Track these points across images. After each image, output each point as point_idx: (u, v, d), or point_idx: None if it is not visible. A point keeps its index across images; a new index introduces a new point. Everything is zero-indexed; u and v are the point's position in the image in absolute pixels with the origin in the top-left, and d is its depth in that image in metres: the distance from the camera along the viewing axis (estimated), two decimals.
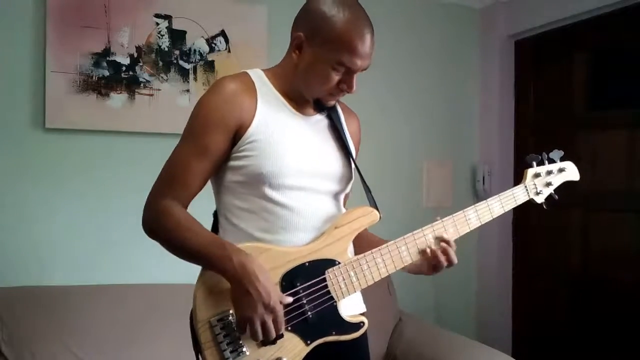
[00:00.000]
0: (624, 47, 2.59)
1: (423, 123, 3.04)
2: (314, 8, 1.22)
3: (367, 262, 1.25)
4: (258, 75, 1.29)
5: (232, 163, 1.23)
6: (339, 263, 1.23)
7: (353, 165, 1.36)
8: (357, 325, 1.25)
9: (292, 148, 1.24)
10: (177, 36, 2.44)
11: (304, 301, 1.19)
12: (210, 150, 1.21)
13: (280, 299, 1.14)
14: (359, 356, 1.33)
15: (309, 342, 1.20)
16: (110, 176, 2.33)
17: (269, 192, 1.21)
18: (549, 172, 1.44)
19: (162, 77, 2.41)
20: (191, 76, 2.46)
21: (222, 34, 2.51)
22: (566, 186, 2.79)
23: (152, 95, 2.39)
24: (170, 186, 1.22)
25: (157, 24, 2.41)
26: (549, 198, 1.46)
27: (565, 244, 2.84)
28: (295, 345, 1.19)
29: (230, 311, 1.16)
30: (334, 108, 1.37)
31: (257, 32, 2.55)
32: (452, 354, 2.30)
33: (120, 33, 2.33)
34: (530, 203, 1.44)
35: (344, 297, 1.23)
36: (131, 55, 2.36)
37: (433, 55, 3.07)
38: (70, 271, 2.27)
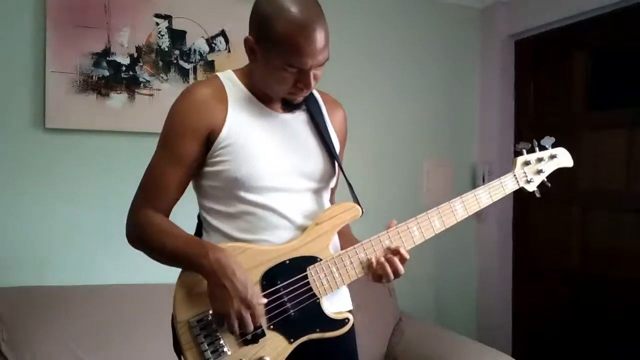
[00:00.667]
0: (624, 47, 2.59)
1: (423, 123, 3.04)
2: (258, 10, 1.17)
3: (349, 257, 1.24)
4: (229, 77, 1.27)
5: (207, 169, 1.23)
6: (321, 260, 1.22)
7: (336, 160, 1.33)
8: (342, 322, 1.24)
9: (266, 149, 1.22)
10: (177, 36, 2.44)
11: (286, 299, 1.19)
12: (184, 158, 1.21)
13: (257, 298, 1.13)
14: (346, 353, 1.32)
15: (292, 340, 1.19)
16: (110, 176, 2.33)
17: (246, 195, 1.21)
18: (540, 160, 1.41)
19: (162, 77, 2.41)
20: (191, 76, 2.46)
21: (222, 34, 2.51)
22: (566, 186, 2.79)
23: (152, 95, 2.39)
24: (148, 197, 1.23)
25: (157, 24, 2.41)
26: (542, 186, 1.42)
27: (565, 243, 2.84)
28: (278, 344, 1.18)
29: (210, 312, 1.15)
30: (314, 101, 1.33)
31: None
32: (452, 354, 2.30)
33: (120, 33, 2.33)
34: (522, 192, 1.41)
35: (326, 294, 1.22)
36: (131, 55, 2.36)
37: (433, 55, 3.07)
38: (70, 271, 2.27)
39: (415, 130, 3.02)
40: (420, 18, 3.04)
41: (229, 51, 2.52)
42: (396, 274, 1.26)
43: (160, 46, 2.41)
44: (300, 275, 1.20)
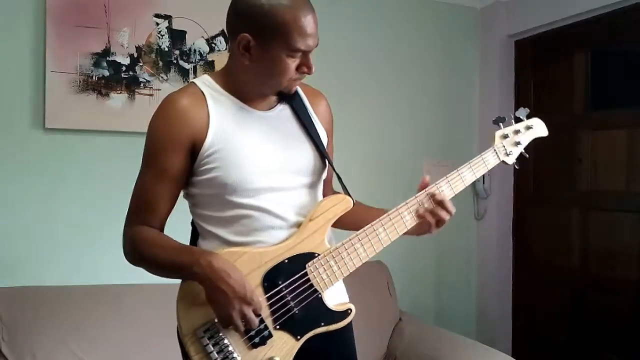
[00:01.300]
0: (624, 47, 2.59)
1: (423, 123, 3.04)
2: (249, 5, 1.16)
3: (346, 249, 1.24)
4: (206, 82, 1.25)
5: (196, 178, 1.22)
6: (318, 255, 1.22)
7: (323, 153, 1.32)
8: (345, 313, 1.25)
9: (254, 151, 1.21)
10: (177, 36, 2.44)
11: (289, 298, 1.19)
12: (169, 172, 1.20)
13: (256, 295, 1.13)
14: (346, 344, 1.34)
15: (299, 337, 1.20)
16: (110, 176, 2.33)
17: (239, 199, 1.20)
18: (517, 132, 1.42)
19: (162, 77, 2.41)
20: (191, 76, 2.46)
21: (222, 34, 2.51)
22: (566, 186, 2.79)
23: (152, 95, 2.39)
24: (139, 214, 1.22)
25: (157, 24, 2.41)
26: (520, 158, 1.44)
27: (565, 243, 2.84)
28: (285, 343, 1.19)
29: (216, 320, 1.15)
30: (295, 95, 1.31)
31: None
32: (452, 354, 2.30)
33: (120, 33, 2.33)
34: (502, 165, 1.43)
35: (327, 288, 1.23)
36: (131, 55, 2.36)
37: (433, 55, 3.07)
38: (70, 271, 2.27)
39: (415, 130, 3.02)
40: (420, 18, 3.04)
41: (229, 51, 2.51)
42: (446, 215, 1.29)
43: (160, 46, 2.41)
44: (301, 273, 1.21)
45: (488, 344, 2.42)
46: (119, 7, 2.32)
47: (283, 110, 1.30)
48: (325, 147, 1.33)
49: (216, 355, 1.14)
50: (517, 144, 1.42)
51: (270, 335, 1.17)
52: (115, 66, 2.32)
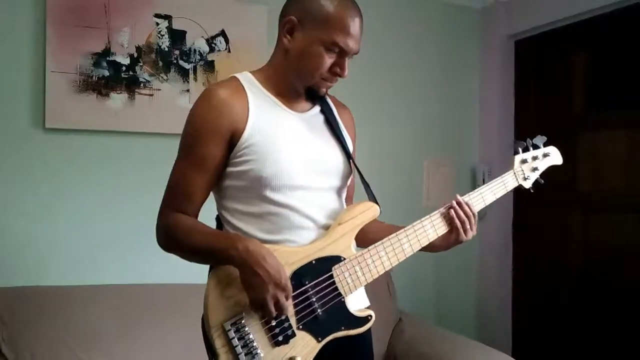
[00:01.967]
0: (624, 47, 2.59)
1: (423, 123, 3.05)
2: None
3: (371, 256, 1.26)
4: (247, 78, 1.29)
5: (231, 169, 1.23)
6: (345, 259, 1.24)
7: (351, 160, 1.36)
8: (365, 319, 1.27)
9: (289, 147, 1.23)
10: (177, 36, 2.44)
11: (314, 299, 1.20)
12: (207, 161, 1.22)
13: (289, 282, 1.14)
14: (364, 349, 1.35)
15: (320, 339, 1.21)
16: (110, 176, 2.33)
17: (270, 194, 1.22)
18: (535, 158, 1.49)
19: (162, 77, 2.41)
20: (191, 76, 2.46)
21: (222, 34, 2.51)
22: (566, 186, 2.80)
23: (152, 95, 2.39)
24: (175, 202, 1.24)
25: (157, 24, 2.41)
26: (536, 183, 1.50)
27: (566, 244, 2.84)
28: (307, 343, 1.20)
29: (243, 314, 1.16)
30: (326, 103, 1.36)
31: (257, 32, 2.55)
32: (452, 354, 2.30)
33: (120, 33, 2.33)
34: (519, 188, 1.49)
35: (351, 292, 1.24)
36: (131, 55, 2.36)
37: (433, 55, 3.07)
38: (70, 271, 2.27)
39: (415, 130, 3.03)
40: (420, 18, 3.04)
41: (229, 51, 2.52)
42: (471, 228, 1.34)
43: (160, 46, 2.41)
44: (326, 275, 1.22)
45: (488, 344, 2.42)
46: (119, 7, 2.32)
47: (316, 115, 1.34)
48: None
49: (241, 350, 1.15)
50: (535, 169, 1.49)
51: (293, 335, 1.18)
52: (115, 66, 2.32)
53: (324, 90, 1.29)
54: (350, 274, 1.24)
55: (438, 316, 3.06)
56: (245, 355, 1.15)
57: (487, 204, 1.41)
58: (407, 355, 2.43)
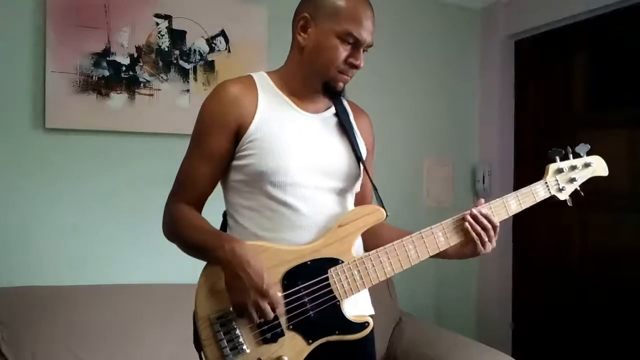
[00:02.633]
0: (624, 47, 2.59)
1: (423, 123, 3.05)
2: None
3: (371, 261, 1.24)
4: (261, 77, 1.31)
5: (235, 162, 1.25)
6: (343, 262, 1.22)
7: (362, 164, 1.34)
8: (362, 325, 1.24)
9: (293, 145, 1.24)
10: (177, 36, 2.44)
11: (306, 300, 1.19)
12: (214, 153, 1.24)
13: (273, 288, 1.13)
14: (364, 356, 1.32)
15: (310, 341, 1.20)
16: (110, 176, 2.33)
17: (271, 190, 1.22)
18: (573, 167, 1.38)
19: (162, 77, 2.41)
20: (191, 76, 2.46)
21: (222, 34, 2.51)
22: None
23: (152, 95, 2.39)
24: (181, 191, 1.28)
25: (157, 24, 2.41)
26: (574, 194, 1.39)
27: (565, 243, 2.84)
28: (296, 344, 1.19)
29: (231, 309, 1.16)
30: (341, 106, 1.36)
31: (257, 32, 2.55)
32: (452, 354, 2.30)
33: (120, 33, 2.33)
34: (553, 200, 1.38)
35: (347, 297, 1.22)
36: (131, 55, 2.36)
37: (433, 55, 3.07)
38: (70, 271, 2.27)
39: (416, 130, 3.03)
40: (420, 18, 3.04)
41: (229, 51, 2.52)
42: (489, 241, 1.29)
43: (160, 46, 2.41)
44: (322, 277, 1.20)
45: (488, 344, 2.42)
46: (119, 7, 2.32)
47: (329, 117, 1.34)
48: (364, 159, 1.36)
49: (225, 344, 1.15)
50: (572, 180, 1.38)
51: (282, 334, 1.18)
52: (115, 66, 2.32)
53: (341, 84, 1.29)
54: (347, 278, 1.22)
55: (438, 316, 3.06)
56: (230, 350, 1.15)
57: (510, 215, 1.32)
58: (407, 355, 2.43)
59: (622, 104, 2.59)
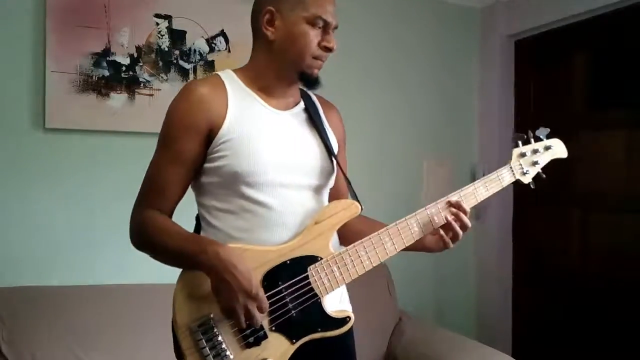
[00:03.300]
0: (624, 47, 2.59)
1: (422, 122, 3.05)
2: None
3: (350, 256, 1.24)
4: (228, 75, 1.28)
5: (207, 165, 1.22)
6: (321, 259, 1.22)
7: (334, 158, 1.34)
8: (343, 321, 1.24)
9: (266, 144, 1.22)
10: (177, 36, 2.44)
11: (287, 300, 1.18)
12: (185, 156, 1.21)
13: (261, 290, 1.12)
14: (343, 351, 1.32)
15: (294, 340, 1.19)
16: (110, 176, 2.33)
17: (246, 190, 1.20)
18: (535, 151, 1.41)
19: (162, 77, 2.41)
20: (191, 76, 2.46)
21: (222, 34, 2.51)
22: (566, 186, 2.78)
23: (152, 95, 2.39)
24: (150, 197, 1.23)
25: (157, 24, 2.41)
26: (537, 178, 1.42)
27: (565, 244, 2.84)
28: (280, 345, 1.18)
29: (212, 315, 1.14)
30: (310, 101, 1.36)
31: None
32: (452, 354, 2.30)
33: (120, 33, 2.33)
34: (517, 184, 1.41)
35: (327, 293, 1.22)
36: (131, 55, 2.36)
37: (433, 54, 3.07)
38: (70, 271, 2.27)
39: (415, 129, 3.02)
40: (420, 18, 3.04)
41: (229, 51, 2.52)
42: (464, 228, 1.30)
43: (160, 46, 2.41)
44: (302, 276, 1.20)
45: (488, 344, 2.42)
46: (119, 7, 2.32)
47: (299, 113, 1.33)
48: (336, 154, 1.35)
49: (208, 352, 1.13)
50: (535, 163, 1.40)
51: (265, 336, 1.16)
52: (115, 66, 2.32)
53: (316, 71, 1.27)
54: (327, 274, 1.21)
55: (438, 316, 3.06)
56: (214, 357, 1.13)
57: (479, 201, 1.35)
58: (407, 355, 2.43)
59: (622, 104, 2.59)
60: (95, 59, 2.29)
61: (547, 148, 1.42)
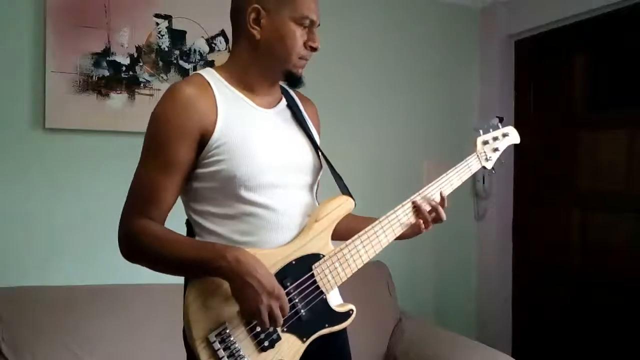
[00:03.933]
0: (624, 47, 2.59)
1: (423, 123, 3.04)
2: None
3: (349, 251, 1.26)
4: (210, 74, 1.25)
5: (201, 170, 1.19)
6: (324, 256, 1.23)
7: (321, 154, 1.35)
8: (347, 314, 1.26)
9: (262, 145, 1.21)
10: (177, 36, 2.44)
11: (296, 300, 1.19)
12: (177, 163, 1.16)
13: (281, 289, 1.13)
14: (341, 345, 1.35)
15: (305, 339, 1.20)
16: (110, 176, 2.33)
17: (245, 194, 1.18)
18: (495, 138, 1.52)
19: (162, 77, 2.41)
20: None
21: (222, 34, 2.51)
22: (566, 186, 2.78)
23: (152, 95, 2.39)
24: (141, 207, 1.17)
25: (157, 24, 2.41)
26: (498, 163, 1.53)
27: (565, 244, 2.84)
28: (292, 345, 1.19)
29: (227, 323, 1.14)
30: (291, 97, 1.35)
31: None
32: (452, 354, 2.30)
33: (120, 33, 2.33)
34: (484, 170, 1.52)
35: (332, 289, 1.24)
36: (131, 55, 2.36)
37: (433, 55, 3.07)
38: (70, 271, 2.27)
39: (415, 130, 3.02)
40: (420, 18, 3.04)
41: (229, 51, 2.51)
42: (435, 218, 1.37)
43: (160, 46, 2.41)
44: (308, 275, 1.21)
45: (488, 344, 2.42)
46: (119, 7, 2.32)
47: (283, 110, 1.32)
48: None
49: None
50: (495, 150, 1.52)
51: (278, 338, 1.17)
52: (115, 66, 2.32)
53: (301, 70, 1.27)
54: (330, 271, 1.23)
55: (438, 316, 3.06)
56: None
57: (454, 188, 1.44)
58: (407, 355, 2.43)
59: (622, 104, 2.59)
60: (95, 59, 2.29)
61: (505, 135, 1.54)
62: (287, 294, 1.17)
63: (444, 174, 1.44)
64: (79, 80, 2.26)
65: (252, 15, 1.22)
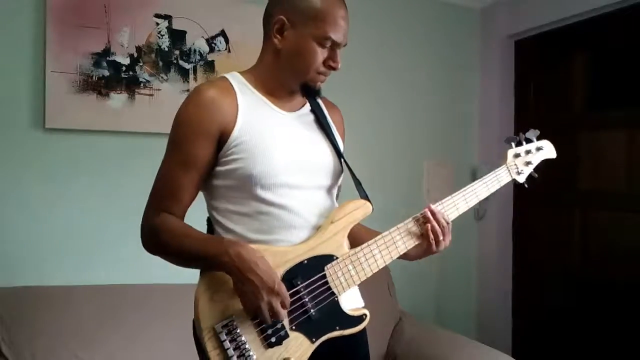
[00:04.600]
0: (624, 47, 2.59)
1: (423, 123, 3.05)
2: None
3: (364, 254, 1.26)
4: (236, 78, 1.29)
5: (220, 168, 1.23)
6: (337, 258, 1.23)
7: (342, 158, 1.36)
8: (360, 318, 1.26)
9: (280, 145, 1.23)
10: (177, 36, 2.44)
11: (306, 299, 1.19)
12: (197, 160, 1.21)
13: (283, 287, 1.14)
14: (359, 351, 1.34)
15: (314, 339, 1.20)
16: (110, 176, 2.33)
17: (261, 193, 1.21)
18: (528, 152, 1.47)
19: (162, 77, 2.41)
20: (191, 76, 2.46)
21: (222, 34, 2.51)
22: (566, 186, 2.79)
23: (152, 95, 2.39)
24: (162, 202, 1.23)
25: (157, 24, 2.41)
26: (529, 177, 1.49)
27: (565, 244, 2.84)
28: (300, 344, 1.19)
29: (234, 316, 1.15)
30: (316, 102, 1.37)
31: (257, 32, 2.52)
32: (452, 354, 2.30)
33: (120, 33, 2.33)
34: (514, 183, 1.48)
35: (344, 292, 1.24)
36: (131, 55, 2.36)
37: (433, 55, 3.07)
38: (70, 271, 2.27)
39: (415, 130, 3.03)
40: (420, 18, 3.04)
41: (229, 51, 2.52)
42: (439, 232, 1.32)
43: (160, 46, 2.41)
44: (319, 275, 1.21)
45: (488, 344, 2.42)
46: (119, 7, 2.32)
47: (306, 114, 1.34)
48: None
49: (232, 352, 1.14)
50: (528, 163, 1.47)
51: (286, 336, 1.17)
52: (115, 66, 2.32)
53: (319, 84, 1.29)
54: (343, 273, 1.23)
55: (438, 316, 3.06)
56: (238, 357, 1.14)
57: (480, 199, 1.40)
58: (407, 355, 2.43)
59: (622, 104, 2.60)
60: (95, 59, 2.29)
61: (539, 149, 1.49)
62: (297, 292, 1.18)
63: (469, 185, 1.39)
64: (79, 80, 2.26)
65: (277, 26, 1.25)
